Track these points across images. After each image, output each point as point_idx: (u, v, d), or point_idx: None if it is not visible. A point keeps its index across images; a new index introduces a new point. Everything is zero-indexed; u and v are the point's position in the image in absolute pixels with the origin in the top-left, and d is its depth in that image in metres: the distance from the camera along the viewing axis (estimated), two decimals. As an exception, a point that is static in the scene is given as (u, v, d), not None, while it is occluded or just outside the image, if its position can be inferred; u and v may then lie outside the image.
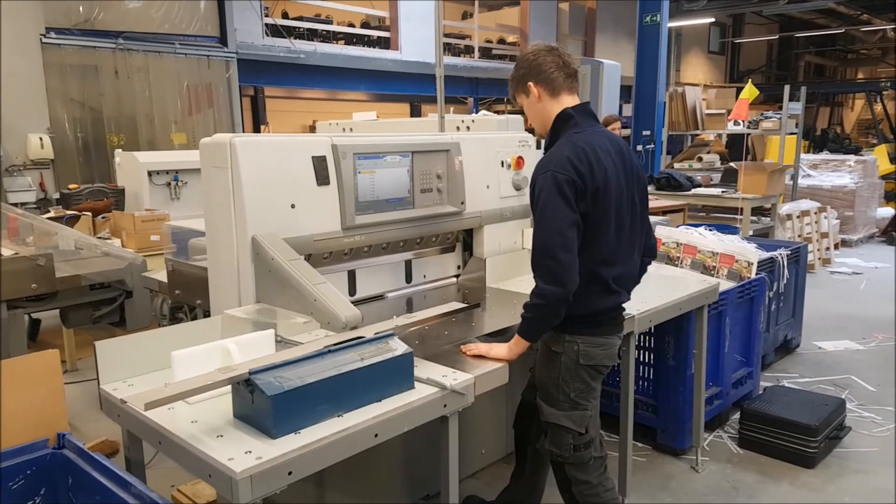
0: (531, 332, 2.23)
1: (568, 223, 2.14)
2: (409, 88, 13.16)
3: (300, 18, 11.79)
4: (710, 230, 4.74)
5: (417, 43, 12.70)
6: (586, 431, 2.38)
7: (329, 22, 12.42)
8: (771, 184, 7.77)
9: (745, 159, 8.54)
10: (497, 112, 9.81)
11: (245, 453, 1.56)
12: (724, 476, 3.41)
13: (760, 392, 4.11)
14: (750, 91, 6.60)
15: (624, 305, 2.44)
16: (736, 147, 11.21)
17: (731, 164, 8.80)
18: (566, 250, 2.12)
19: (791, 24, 21.57)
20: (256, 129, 12.22)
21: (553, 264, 2.14)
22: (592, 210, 2.19)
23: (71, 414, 2.45)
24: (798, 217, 8.41)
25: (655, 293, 2.99)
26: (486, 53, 15.06)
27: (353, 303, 2.34)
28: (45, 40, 8.01)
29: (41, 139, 7.86)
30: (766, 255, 4.55)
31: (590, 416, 2.38)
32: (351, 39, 12.74)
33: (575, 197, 2.15)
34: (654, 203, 7.50)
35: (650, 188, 8.41)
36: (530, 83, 2.33)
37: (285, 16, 11.76)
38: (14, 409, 1.93)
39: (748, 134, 9.32)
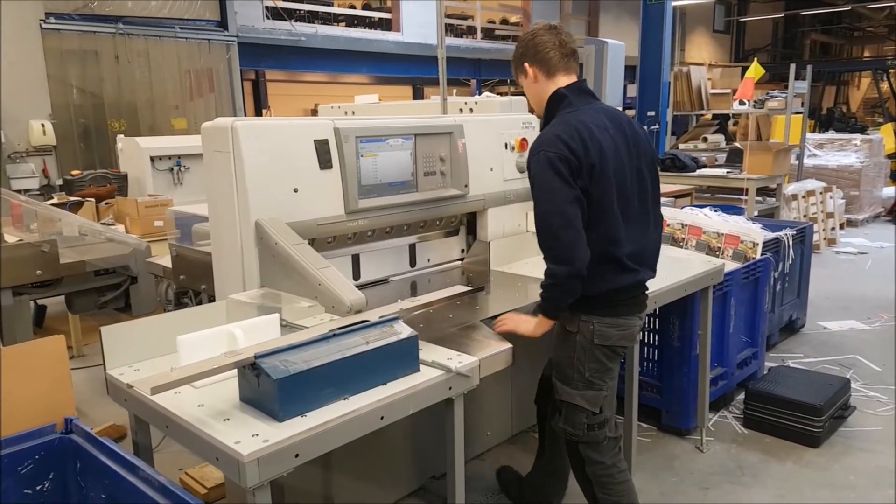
0: (550, 311, 2.25)
1: (567, 200, 2.11)
2: (411, 70, 13.08)
3: (300, 1, 11.70)
4: (716, 211, 4.72)
5: (419, 24, 12.60)
6: (601, 411, 2.37)
7: (330, 4, 12.32)
8: (776, 164, 7.72)
9: (748, 139, 8.48)
10: (500, 94, 9.73)
11: (252, 436, 1.57)
12: (729, 456, 3.42)
13: (765, 372, 4.12)
14: (755, 70, 6.54)
15: (647, 284, 2.39)
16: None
17: (737, 144, 8.74)
18: (568, 227, 2.10)
19: (796, 2, 21.35)
20: (258, 114, 12.19)
21: (556, 244, 2.13)
22: (592, 187, 2.15)
23: (78, 399, 2.46)
24: (803, 197, 8.37)
25: (660, 274, 2.95)
26: (488, 34, 14.94)
27: (357, 287, 2.34)
28: (44, 26, 7.97)
29: (43, 125, 7.85)
30: (771, 235, 4.53)
31: (604, 397, 2.37)
32: (352, 21, 12.65)
33: (571, 173, 2.12)
34: (661, 187, 7.46)
35: (655, 169, 8.36)
36: (526, 63, 2.32)
37: (285, -2, 11.69)
38: (21, 394, 1.93)
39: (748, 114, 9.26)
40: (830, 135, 11.64)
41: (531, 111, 3.27)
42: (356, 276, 2.92)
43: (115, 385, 1.99)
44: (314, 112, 12.47)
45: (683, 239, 4.07)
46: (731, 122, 11.70)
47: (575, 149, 2.12)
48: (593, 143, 2.16)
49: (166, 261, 3.45)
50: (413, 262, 3.15)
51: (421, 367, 1.94)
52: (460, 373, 1.93)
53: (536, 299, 2.30)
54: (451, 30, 14.03)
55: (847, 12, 21.81)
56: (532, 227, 2.99)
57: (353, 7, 13.22)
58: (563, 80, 2.31)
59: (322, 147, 2.58)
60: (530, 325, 2.28)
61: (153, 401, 1.76)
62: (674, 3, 11.07)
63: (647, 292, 2.42)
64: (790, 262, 4.76)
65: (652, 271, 2.40)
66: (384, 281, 3.03)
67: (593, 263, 2.15)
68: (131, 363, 2.08)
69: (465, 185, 3.05)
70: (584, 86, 2.33)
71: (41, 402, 1.97)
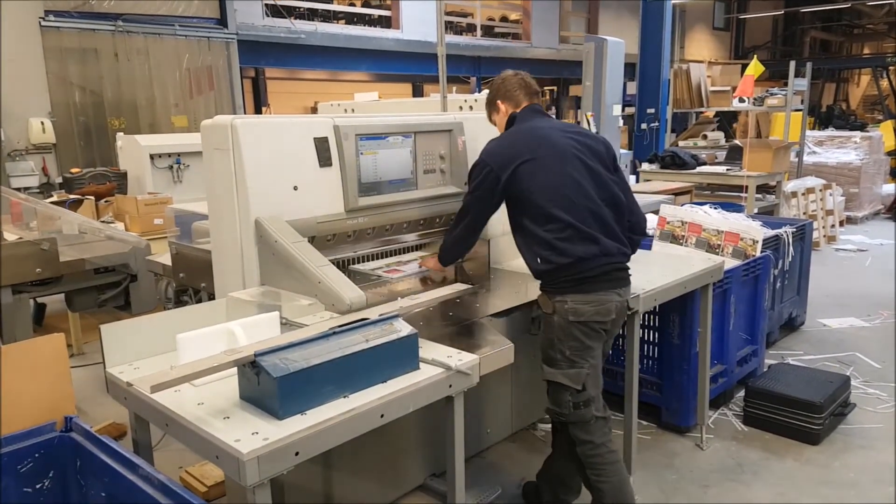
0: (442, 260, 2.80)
1: (479, 200, 2.55)
2: (410, 68, 13.06)
3: (300, -2, 11.69)
4: (715, 208, 4.72)
5: (419, 22, 12.58)
6: (584, 389, 2.45)
7: (329, 1, 12.30)
8: (776, 161, 7.72)
9: (748, 136, 8.48)
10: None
11: (252, 434, 1.57)
12: (729, 453, 3.43)
13: (765, 370, 4.12)
14: (755, 67, 6.54)
15: (618, 262, 2.48)
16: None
17: (737, 141, 8.74)
18: (471, 229, 2.64)
19: (797, -1, 21.32)
20: (258, 111, 12.17)
21: (455, 229, 2.68)
22: (520, 173, 2.43)
23: (78, 397, 2.46)
24: (803, 194, 8.37)
25: (660, 272, 2.98)
26: (488, 31, 14.93)
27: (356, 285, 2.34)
28: (43, 23, 7.96)
29: (42, 123, 7.84)
30: (771, 232, 4.53)
31: (586, 374, 2.45)
32: (352, 19, 12.64)
33: (492, 181, 2.47)
34: (661, 184, 7.47)
35: (654, 167, 8.37)
36: (498, 101, 2.72)
37: (285, -5, 11.67)
38: (21, 393, 1.93)
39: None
40: (830, 132, 11.65)
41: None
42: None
43: (115, 383, 1.99)
44: (314, 110, 12.45)
45: (683, 236, 4.07)
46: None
47: (498, 154, 2.50)
48: (529, 140, 2.50)
49: (166, 259, 3.45)
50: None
51: (421, 364, 1.94)
52: (460, 370, 1.93)
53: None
54: (450, 27, 14.02)
55: (847, 9, 21.75)
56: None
57: (352, 4, 13.21)
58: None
59: (322, 145, 2.58)
60: (432, 262, 2.84)
61: (153, 399, 1.76)
62: (673, 1, 11.05)
63: (621, 268, 2.51)
64: (790, 259, 4.76)
65: (617, 243, 2.48)
66: (383, 279, 3.02)
67: (550, 233, 2.39)
68: (131, 361, 2.08)
69: (465, 183, 3.04)
70: (536, 107, 2.69)
71: (41, 401, 1.97)
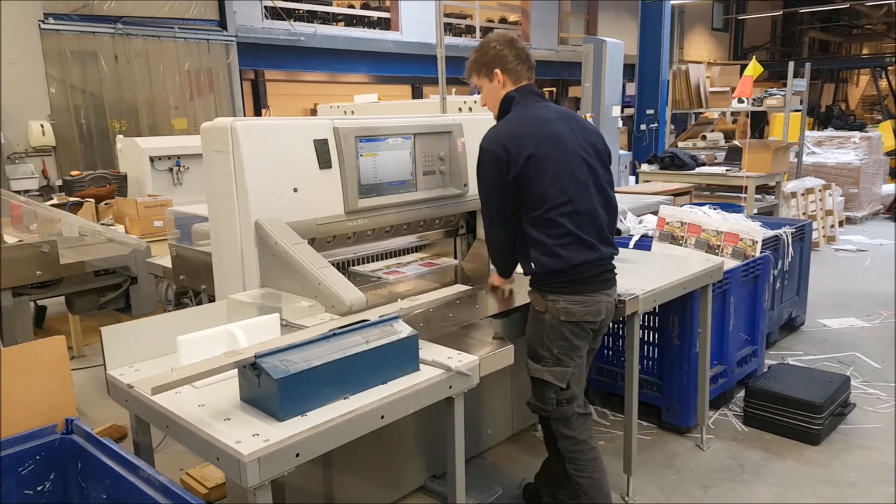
0: (502, 273, 2.71)
1: (494, 194, 2.46)
2: (410, 70, 13.07)
3: (299, 0, 11.69)
4: (715, 209, 4.73)
5: (418, 23, 12.59)
6: (568, 387, 2.49)
7: (329, 3, 12.31)
8: (775, 162, 7.72)
9: (747, 137, 8.48)
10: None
11: (252, 436, 1.57)
12: (730, 454, 3.43)
13: (765, 370, 4.12)
14: (754, 68, 6.54)
15: (609, 264, 2.51)
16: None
17: (736, 141, 8.74)
18: (499, 224, 2.52)
19: (795, 0, 21.33)
20: (257, 113, 12.18)
21: (489, 236, 2.57)
22: (527, 170, 2.37)
23: (78, 399, 2.46)
24: (803, 195, 8.37)
25: (660, 273, 2.98)
26: (487, 33, 14.93)
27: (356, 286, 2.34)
28: (43, 26, 7.97)
29: (42, 126, 7.85)
30: (770, 233, 4.53)
31: (572, 373, 2.49)
32: (351, 21, 12.65)
33: (499, 171, 2.40)
34: (660, 185, 7.47)
35: (654, 168, 8.37)
36: (497, 70, 2.55)
37: (284, -2, 11.69)
38: (22, 395, 1.93)
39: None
40: (829, 132, 11.65)
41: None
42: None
43: (116, 385, 1.99)
44: (313, 112, 12.47)
45: (683, 237, 4.07)
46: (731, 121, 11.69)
47: (508, 145, 2.39)
48: (534, 132, 2.41)
49: (166, 261, 3.45)
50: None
51: (421, 366, 1.95)
52: (460, 372, 1.93)
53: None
54: (450, 29, 14.03)
55: (846, 10, 21.77)
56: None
57: (352, 6, 13.22)
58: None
59: (321, 147, 2.58)
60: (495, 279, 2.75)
61: (154, 401, 1.76)
62: (672, 2, 11.07)
63: (609, 269, 2.53)
64: (790, 259, 4.76)
65: (611, 247, 2.51)
66: (383, 280, 3.03)
67: (549, 239, 2.38)
68: (132, 363, 2.08)
69: (465, 185, 3.05)
70: (531, 88, 2.58)
71: (42, 403, 1.98)
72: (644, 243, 4.19)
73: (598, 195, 2.48)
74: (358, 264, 3.03)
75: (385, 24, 12.96)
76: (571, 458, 2.56)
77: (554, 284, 2.42)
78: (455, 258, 3.30)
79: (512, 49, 2.55)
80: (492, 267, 2.76)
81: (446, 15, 13.24)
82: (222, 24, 9.72)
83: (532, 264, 2.45)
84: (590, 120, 7.99)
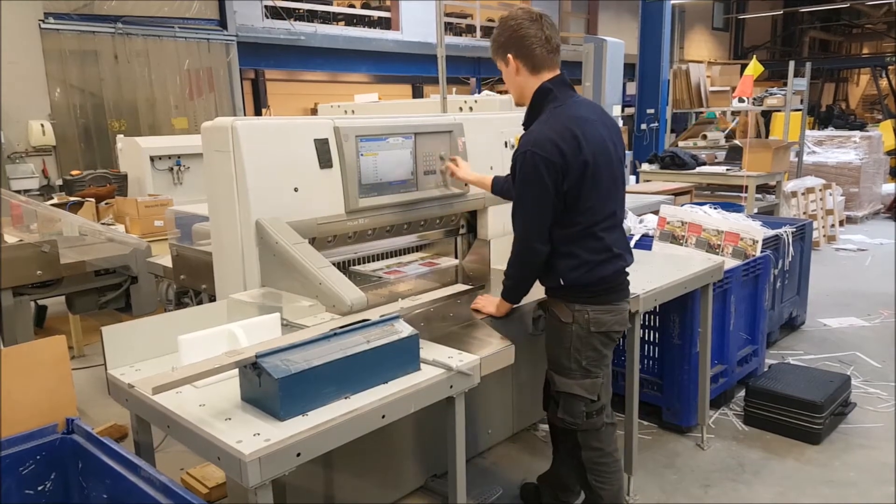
0: (510, 297, 2.40)
1: (544, 204, 2.21)
2: (410, 69, 13.07)
3: (299, 0, 11.69)
4: (715, 208, 4.73)
5: (418, 23, 12.59)
6: (598, 398, 2.42)
7: (329, 3, 12.31)
8: (776, 161, 7.72)
9: (748, 136, 8.49)
10: (500, 92, 9.73)
11: (253, 436, 1.57)
12: (730, 453, 3.43)
13: (766, 369, 4.12)
14: (755, 67, 6.54)
15: (627, 270, 2.46)
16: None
17: (736, 141, 8.74)
18: (542, 241, 2.26)
19: (795, -1, 21.33)
20: (258, 113, 12.18)
21: (521, 247, 2.31)
22: (582, 182, 2.20)
23: (79, 399, 2.46)
24: (803, 194, 8.37)
25: (660, 272, 2.98)
26: (488, 32, 14.90)
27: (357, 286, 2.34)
28: (43, 26, 7.97)
29: (42, 126, 7.84)
30: (770, 232, 4.53)
31: (601, 384, 2.42)
32: (351, 20, 12.64)
33: (555, 178, 2.18)
34: (661, 185, 7.46)
35: (654, 167, 8.37)
36: (510, 55, 2.31)
37: (284, -3, 11.69)
38: (22, 395, 1.93)
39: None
40: (830, 132, 11.64)
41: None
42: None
43: (117, 385, 1.99)
44: (314, 111, 12.46)
45: (683, 236, 4.07)
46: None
47: (565, 151, 2.17)
48: (587, 138, 2.21)
49: (167, 260, 3.45)
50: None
51: (422, 365, 1.94)
52: (461, 371, 1.93)
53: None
54: (450, 28, 14.02)
55: (846, 9, 21.75)
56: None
57: (352, 6, 13.21)
58: (547, 75, 2.33)
59: (322, 146, 2.58)
60: (493, 307, 2.41)
61: (154, 401, 1.76)
62: (672, 1, 11.06)
63: (627, 275, 2.48)
64: (790, 259, 4.76)
65: (631, 254, 2.47)
66: (384, 280, 3.03)
67: (586, 253, 2.27)
68: (132, 363, 2.08)
69: (466, 184, 3.05)
70: (565, 78, 2.35)
71: (42, 403, 1.98)
72: (644, 243, 4.19)
73: (623, 203, 2.42)
74: (358, 264, 3.03)
75: (385, 24, 12.96)
76: (596, 469, 2.48)
77: (581, 295, 2.33)
78: (456, 258, 3.30)
79: (532, 27, 2.25)
80: (487, 295, 2.51)
81: (447, 14, 13.23)
82: (222, 23, 9.71)
83: (561, 280, 2.32)
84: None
